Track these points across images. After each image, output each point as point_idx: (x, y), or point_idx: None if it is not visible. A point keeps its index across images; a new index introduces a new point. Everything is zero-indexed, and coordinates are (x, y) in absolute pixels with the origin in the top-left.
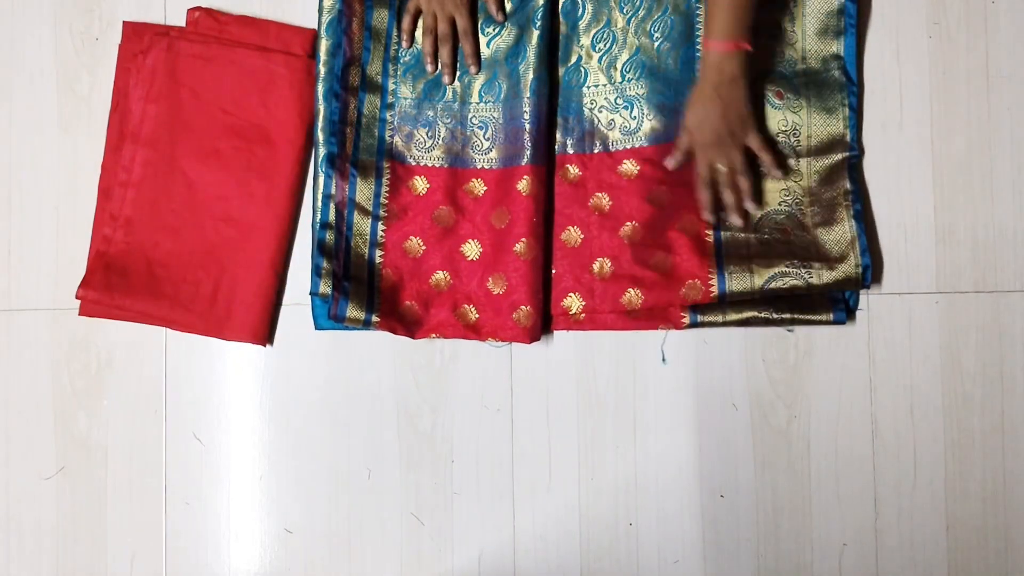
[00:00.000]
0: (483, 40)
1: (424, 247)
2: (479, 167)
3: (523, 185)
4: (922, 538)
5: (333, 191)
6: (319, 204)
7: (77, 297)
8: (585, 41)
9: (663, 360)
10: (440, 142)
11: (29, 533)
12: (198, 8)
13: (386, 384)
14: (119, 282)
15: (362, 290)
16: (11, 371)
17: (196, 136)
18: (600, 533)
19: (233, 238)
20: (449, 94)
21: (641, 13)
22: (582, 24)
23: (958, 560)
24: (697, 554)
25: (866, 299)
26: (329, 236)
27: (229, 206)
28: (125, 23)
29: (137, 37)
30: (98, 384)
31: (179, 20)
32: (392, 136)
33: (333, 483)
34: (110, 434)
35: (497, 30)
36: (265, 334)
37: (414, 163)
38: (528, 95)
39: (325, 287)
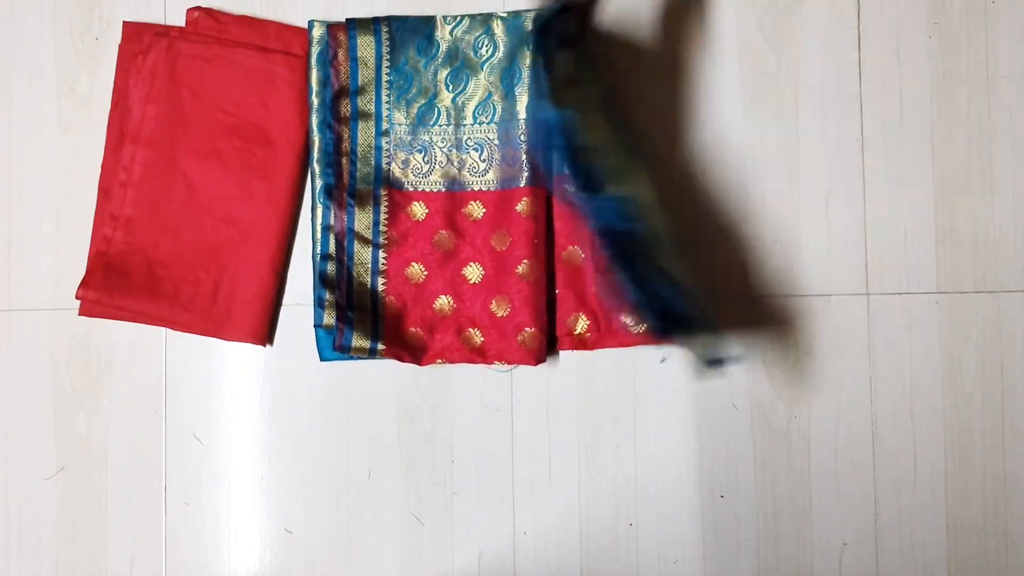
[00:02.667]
0: (477, 61)
1: (426, 272)
2: (476, 189)
3: (522, 207)
4: (922, 538)
5: (332, 222)
6: (318, 235)
7: (77, 297)
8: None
9: (662, 360)
10: (436, 166)
11: (29, 533)
12: (198, 8)
13: (386, 384)
14: (119, 282)
15: (367, 319)
16: (11, 371)
17: (196, 136)
18: (600, 533)
19: (233, 238)
20: (443, 117)
21: None
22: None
23: (958, 560)
24: (697, 554)
25: (866, 299)
26: (330, 267)
27: (229, 206)
28: (125, 23)
29: (137, 37)
30: (98, 384)
31: (179, 20)
32: (389, 163)
33: (333, 483)
34: (110, 434)
35: (490, 52)
36: (265, 334)
37: (411, 189)
38: (523, 116)
39: (329, 318)
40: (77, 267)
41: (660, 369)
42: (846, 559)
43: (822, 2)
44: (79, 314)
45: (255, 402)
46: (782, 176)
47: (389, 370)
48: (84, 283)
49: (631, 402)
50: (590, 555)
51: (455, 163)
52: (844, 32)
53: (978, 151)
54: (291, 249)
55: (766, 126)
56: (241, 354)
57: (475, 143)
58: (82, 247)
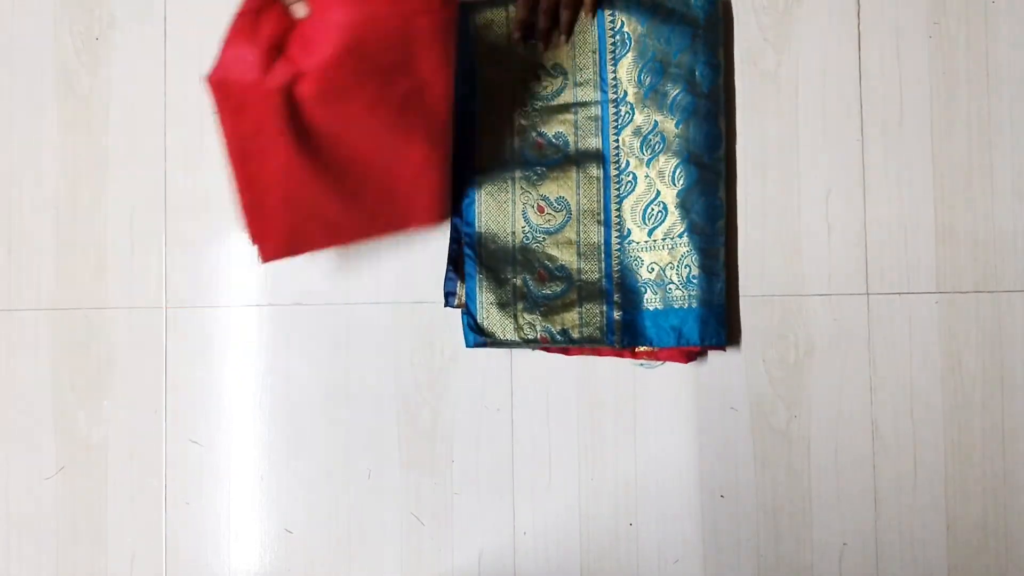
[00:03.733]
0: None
1: None
2: None
3: None
4: (922, 538)
5: None
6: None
7: (254, 243)
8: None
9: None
10: None
11: (29, 533)
12: None
13: (386, 384)
14: (291, 214)
15: None
16: (11, 371)
17: (340, 86)
18: (600, 533)
19: (394, 147)
20: None
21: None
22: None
23: (958, 560)
24: (697, 554)
25: (866, 299)
26: None
27: (392, 152)
28: None
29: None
30: (98, 384)
31: (180, 20)
32: None
33: (333, 483)
34: (110, 434)
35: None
36: (445, 211)
37: None
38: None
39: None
40: (77, 267)
41: (660, 369)
42: (846, 559)
43: (822, 2)
44: (262, 261)
45: (255, 402)
46: (782, 175)
47: (389, 370)
48: (251, 224)
49: (631, 402)
50: (590, 555)
51: None
52: (844, 32)
53: (978, 151)
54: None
55: (766, 125)
56: (241, 354)
57: None
58: (82, 247)
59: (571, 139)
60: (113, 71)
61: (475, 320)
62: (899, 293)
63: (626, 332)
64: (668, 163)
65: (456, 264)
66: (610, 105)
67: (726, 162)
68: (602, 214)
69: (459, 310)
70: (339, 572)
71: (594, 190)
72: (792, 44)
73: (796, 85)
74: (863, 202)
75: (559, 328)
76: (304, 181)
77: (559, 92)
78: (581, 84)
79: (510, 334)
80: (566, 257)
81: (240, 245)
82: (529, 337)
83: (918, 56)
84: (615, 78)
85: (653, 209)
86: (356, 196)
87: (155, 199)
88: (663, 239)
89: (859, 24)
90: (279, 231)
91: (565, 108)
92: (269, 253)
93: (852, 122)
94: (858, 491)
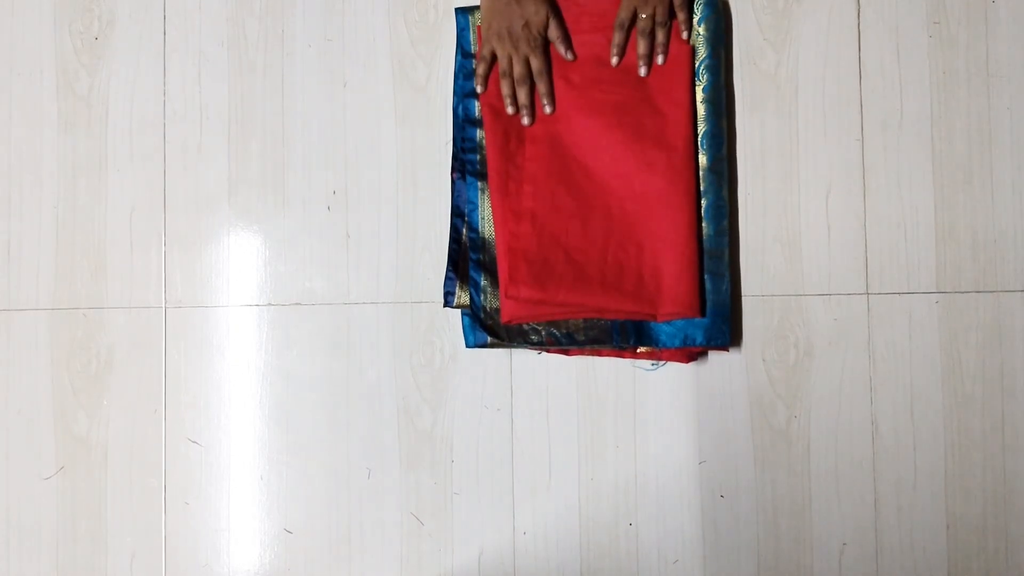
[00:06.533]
0: None
1: None
2: None
3: None
4: (922, 538)
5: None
6: None
7: (508, 297)
8: None
9: (652, 365)
10: None
11: (29, 533)
12: None
13: (386, 384)
14: (546, 274)
15: None
16: (11, 371)
17: (579, 121)
18: (600, 533)
19: (643, 213)
20: None
21: None
22: None
23: (958, 560)
24: (697, 554)
25: (866, 299)
26: None
27: (631, 182)
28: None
29: None
30: (98, 384)
31: (179, 20)
32: None
33: (333, 483)
34: (110, 434)
35: None
36: (698, 304)
37: None
38: None
39: None
40: (77, 267)
41: (660, 369)
42: (846, 559)
43: (822, 2)
44: (503, 321)
45: (255, 402)
46: (782, 175)
47: (389, 370)
48: (513, 281)
49: (631, 402)
50: (590, 555)
51: None
52: (844, 32)
53: (978, 151)
54: (700, 215)
55: (766, 125)
56: (240, 354)
57: None
58: (82, 247)
59: None
60: (113, 71)
61: (480, 323)
62: (899, 293)
63: (632, 334)
64: None
65: (456, 264)
66: None
67: (728, 162)
68: None
69: (459, 310)
70: (339, 572)
71: None
72: (792, 44)
73: (796, 85)
74: (863, 202)
75: (563, 332)
76: (552, 210)
77: None
78: None
79: (515, 337)
80: None
81: (239, 245)
82: (533, 340)
83: (918, 56)
84: None
85: None
86: (618, 273)
87: (155, 199)
88: None
89: (859, 24)
90: (539, 280)
91: None
92: (518, 307)
93: (852, 122)
94: (858, 491)
